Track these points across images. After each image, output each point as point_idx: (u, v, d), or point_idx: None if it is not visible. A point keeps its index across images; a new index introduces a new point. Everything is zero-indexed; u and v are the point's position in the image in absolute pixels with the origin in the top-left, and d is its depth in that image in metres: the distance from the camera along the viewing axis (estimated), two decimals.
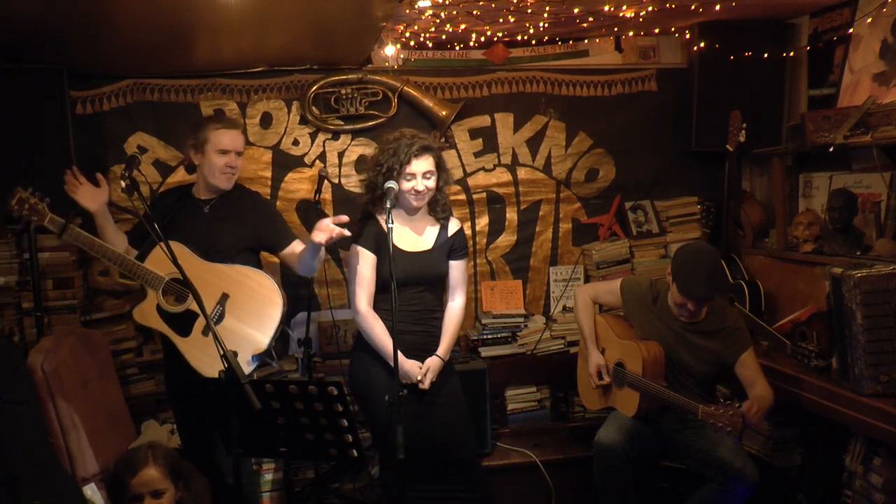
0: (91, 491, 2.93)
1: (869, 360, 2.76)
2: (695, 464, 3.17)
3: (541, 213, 4.26)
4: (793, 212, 3.80)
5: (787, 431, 3.54)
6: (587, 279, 4.25)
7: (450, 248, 3.14)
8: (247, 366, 2.99)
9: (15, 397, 2.81)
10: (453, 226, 3.17)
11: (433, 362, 3.05)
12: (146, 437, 3.31)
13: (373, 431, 3.26)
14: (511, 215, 4.24)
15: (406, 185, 2.99)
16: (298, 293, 4.01)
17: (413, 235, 3.11)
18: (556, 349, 4.15)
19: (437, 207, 3.13)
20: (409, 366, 3.01)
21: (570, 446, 3.81)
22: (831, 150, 3.27)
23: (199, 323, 3.00)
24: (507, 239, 4.24)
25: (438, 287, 3.16)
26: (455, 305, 3.17)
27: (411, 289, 3.04)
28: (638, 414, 3.21)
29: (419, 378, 3.00)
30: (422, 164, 2.98)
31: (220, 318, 3.04)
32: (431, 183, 3.02)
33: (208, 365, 2.96)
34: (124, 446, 3.19)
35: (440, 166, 3.07)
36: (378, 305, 3.06)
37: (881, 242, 3.23)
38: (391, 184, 2.91)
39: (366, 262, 3.04)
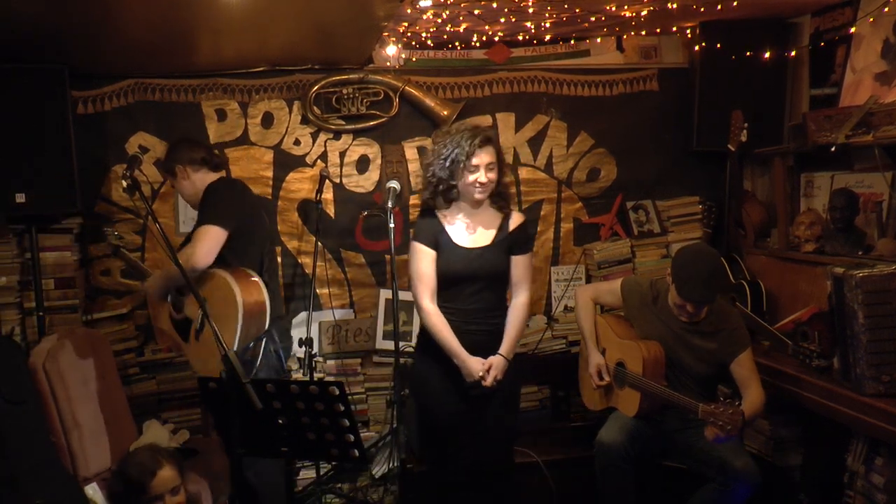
0: (93, 490, 2.94)
1: (870, 360, 2.76)
2: (696, 464, 3.17)
3: (542, 213, 4.25)
4: (794, 211, 3.80)
5: (789, 431, 3.53)
6: (588, 279, 4.25)
7: (511, 243, 3.05)
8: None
9: (16, 397, 2.82)
10: (515, 219, 3.08)
11: (496, 361, 2.98)
12: (148, 437, 3.32)
13: (419, 433, 3.24)
14: None
15: (470, 178, 2.93)
16: (300, 293, 4.03)
17: (473, 231, 3.04)
18: (558, 349, 4.15)
19: (499, 198, 3.06)
20: (471, 362, 2.95)
21: (572, 446, 3.80)
22: (833, 149, 3.27)
23: (193, 329, 3.10)
24: None
25: (500, 284, 3.07)
26: (518, 303, 3.08)
27: (471, 286, 2.99)
28: (639, 413, 3.20)
29: (481, 374, 2.95)
30: (486, 156, 2.92)
31: (203, 323, 3.05)
32: (494, 175, 2.96)
33: (200, 369, 3.07)
34: (126, 446, 3.20)
35: (500, 158, 3.02)
36: (439, 303, 3.01)
37: (883, 242, 3.23)
38: (393, 183, 2.90)
39: (426, 259, 2.99)
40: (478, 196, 2.97)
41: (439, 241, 3.00)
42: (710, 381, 3.25)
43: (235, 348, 2.94)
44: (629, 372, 3.24)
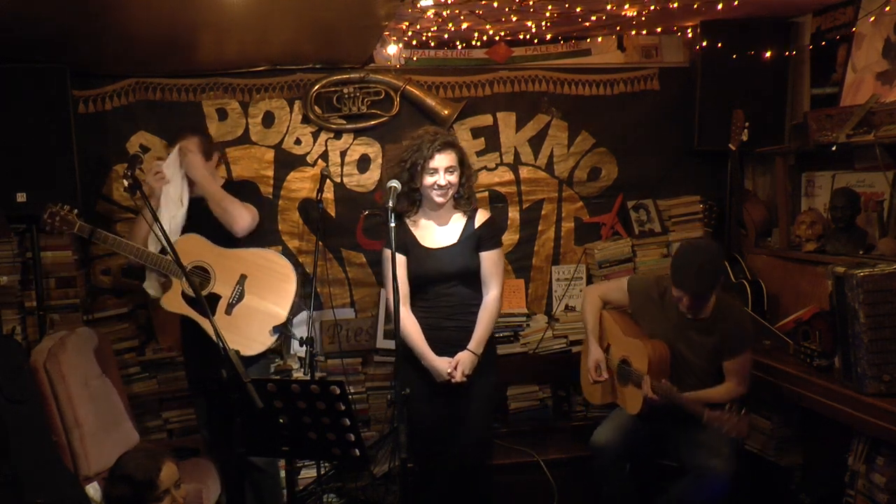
0: (94, 490, 2.94)
1: (872, 359, 2.76)
2: (683, 458, 3.16)
3: (543, 213, 4.25)
4: (795, 211, 3.80)
5: (790, 431, 3.54)
6: (589, 278, 4.24)
7: (478, 239, 3.14)
8: (269, 337, 3.21)
9: (18, 396, 2.82)
10: (480, 217, 3.18)
11: (464, 356, 3.08)
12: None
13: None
14: (513, 214, 4.23)
15: (429, 180, 3.05)
16: (300, 292, 4.02)
17: (439, 232, 3.16)
18: (559, 348, 4.14)
19: (462, 201, 3.16)
20: (437, 363, 3.07)
21: (572, 445, 3.81)
22: (834, 148, 3.27)
23: (221, 305, 3.22)
24: (509, 238, 4.23)
25: (472, 281, 3.16)
26: (489, 298, 3.16)
27: (441, 284, 3.11)
28: (642, 412, 3.20)
29: (449, 372, 3.05)
30: (444, 159, 3.04)
31: (241, 296, 3.24)
32: (454, 178, 3.07)
33: (232, 342, 3.05)
34: (126, 445, 3.20)
35: (462, 161, 3.12)
36: (414, 303, 3.13)
37: (884, 241, 3.23)
38: (394, 182, 2.92)
39: (396, 264, 3.07)
40: (438, 199, 3.08)
41: (408, 245, 3.11)
42: (712, 377, 3.24)
43: (286, 316, 3.26)
44: (634, 370, 3.24)
